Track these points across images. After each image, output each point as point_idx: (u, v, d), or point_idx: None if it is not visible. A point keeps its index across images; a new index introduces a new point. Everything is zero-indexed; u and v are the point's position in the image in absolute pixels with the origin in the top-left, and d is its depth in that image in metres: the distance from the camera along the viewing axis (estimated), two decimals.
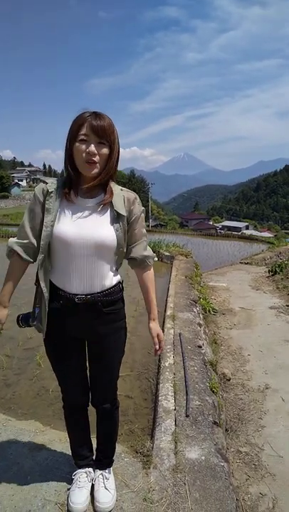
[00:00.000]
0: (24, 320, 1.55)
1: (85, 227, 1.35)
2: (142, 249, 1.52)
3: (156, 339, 1.55)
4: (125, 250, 1.49)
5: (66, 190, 1.38)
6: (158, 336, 1.55)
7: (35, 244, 1.42)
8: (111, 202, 1.40)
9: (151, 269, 1.58)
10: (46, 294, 1.43)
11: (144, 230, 1.54)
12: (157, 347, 1.55)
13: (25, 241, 1.42)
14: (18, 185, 61.47)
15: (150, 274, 1.57)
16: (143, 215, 1.53)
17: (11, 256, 1.45)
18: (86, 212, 1.38)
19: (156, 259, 1.60)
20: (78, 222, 1.36)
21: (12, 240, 1.45)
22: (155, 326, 1.57)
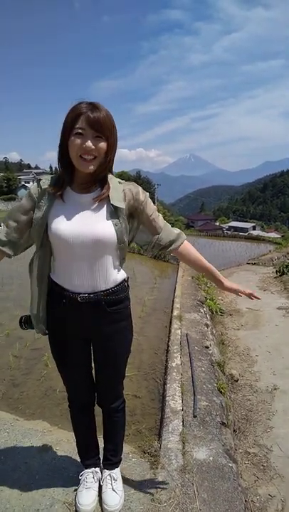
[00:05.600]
0: (28, 322, 1.52)
1: (83, 223, 1.29)
2: (170, 235, 1.46)
3: (240, 289, 1.55)
4: (128, 244, 1.41)
5: (61, 187, 1.33)
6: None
7: (16, 239, 1.37)
8: (108, 196, 1.32)
9: (187, 242, 1.52)
10: (45, 295, 1.42)
11: (157, 212, 1.46)
12: (248, 291, 1.55)
13: (7, 232, 1.36)
14: (25, 187, 61.94)
15: (189, 246, 1.52)
16: (149, 199, 1.43)
17: None
18: (83, 208, 1.31)
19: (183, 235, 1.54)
20: (75, 219, 1.30)
21: None
22: (230, 283, 1.58)
